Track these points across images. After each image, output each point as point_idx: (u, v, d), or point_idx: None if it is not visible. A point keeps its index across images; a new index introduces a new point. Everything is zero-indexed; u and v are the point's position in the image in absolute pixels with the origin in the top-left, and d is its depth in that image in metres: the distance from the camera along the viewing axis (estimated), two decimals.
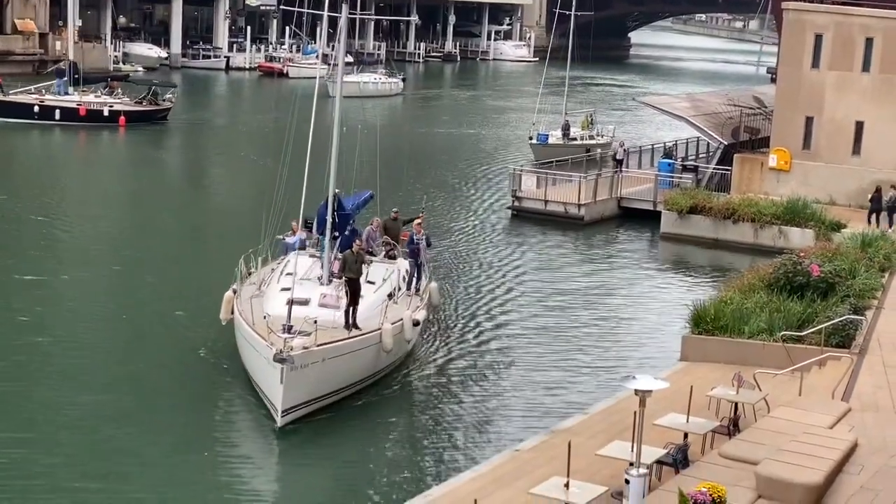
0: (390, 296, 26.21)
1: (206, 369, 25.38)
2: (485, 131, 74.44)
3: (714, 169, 50.31)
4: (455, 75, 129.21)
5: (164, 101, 69.19)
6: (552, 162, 51.51)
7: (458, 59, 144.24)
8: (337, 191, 26.94)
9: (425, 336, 28.11)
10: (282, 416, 21.67)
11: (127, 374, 24.91)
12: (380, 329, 23.91)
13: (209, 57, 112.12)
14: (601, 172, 49.00)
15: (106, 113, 65.55)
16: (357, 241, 25.61)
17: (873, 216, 40.76)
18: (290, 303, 22.96)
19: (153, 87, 70.12)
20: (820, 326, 24.33)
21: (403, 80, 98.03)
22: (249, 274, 27.03)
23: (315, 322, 22.32)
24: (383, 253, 28.80)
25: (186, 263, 36.11)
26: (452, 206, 48.79)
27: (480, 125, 77.91)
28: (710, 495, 14.17)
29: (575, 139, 61.92)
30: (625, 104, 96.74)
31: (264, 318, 23.13)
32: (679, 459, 17.84)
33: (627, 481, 15.85)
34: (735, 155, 48.42)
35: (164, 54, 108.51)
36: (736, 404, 20.20)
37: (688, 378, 22.55)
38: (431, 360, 26.96)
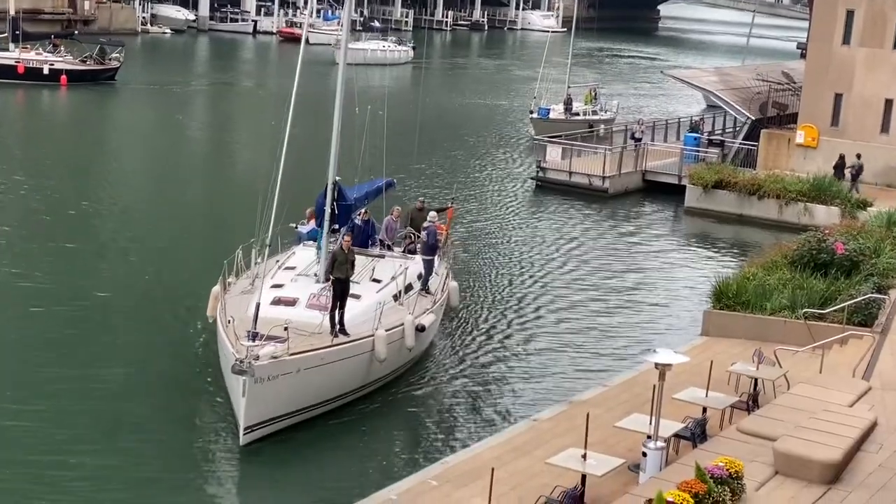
0: (396, 297, 23.56)
1: (182, 374, 22.66)
2: (507, 102, 74.04)
3: (740, 144, 50.04)
4: (482, 44, 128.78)
5: (111, 60, 66.20)
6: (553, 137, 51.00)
7: (486, 28, 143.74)
8: (338, 178, 24.08)
9: (440, 338, 25.81)
10: (244, 434, 19.22)
11: (93, 378, 22.28)
12: (372, 335, 21.35)
13: (237, 20, 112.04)
14: (626, 145, 48.84)
15: (46, 71, 62.90)
16: (346, 239, 22.19)
17: (837, 180, 41.77)
18: (258, 306, 20.15)
19: (100, 46, 67.15)
20: (842, 304, 24.25)
21: (413, 48, 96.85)
22: (255, 264, 24.40)
23: (286, 329, 19.67)
24: (403, 247, 26.63)
25: (154, 247, 32.56)
26: (476, 176, 48.76)
27: (505, 95, 77.58)
28: (727, 470, 14.20)
29: (577, 114, 60.50)
30: (650, 77, 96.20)
31: (229, 321, 20.58)
32: (697, 434, 17.88)
33: (645, 454, 15.95)
34: (762, 130, 48.12)
35: (191, 17, 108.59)
36: (756, 380, 20.21)
37: (708, 353, 22.57)
38: (445, 353, 25.36)
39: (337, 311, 21.30)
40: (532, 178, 47.42)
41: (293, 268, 24.10)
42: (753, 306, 25.36)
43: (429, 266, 25.33)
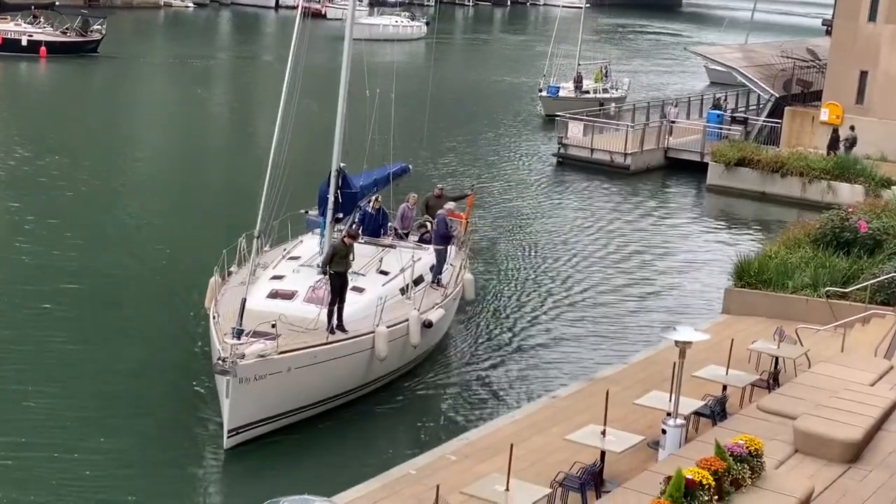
0: (403, 291, 22.28)
1: (175, 369, 21.44)
2: (528, 78, 73.53)
3: (764, 121, 49.74)
4: (504, 20, 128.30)
5: (92, 31, 64.34)
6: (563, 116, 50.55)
7: (509, 3, 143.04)
8: (342, 165, 22.67)
9: (457, 321, 25.03)
10: (228, 437, 18.06)
11: (78, 373, 21.13)
12: (372, 332, 20.18)
13: None
14: (648, 122, 48.63)
15: (24, 42, 61.12)
16: (347, 237, 20.71)
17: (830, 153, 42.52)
18: (243, 302, 18.94)
19: (82, 17, 65.49)
20: (865, 283, 24.10)
21: (427, 24, 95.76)
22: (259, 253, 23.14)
23: (274, 325, 18.48)
24: (417, 236, 25.44)
25: (158, 231, 31.40)
26: (497, 153, 48.64)
27: (525, 72, 77.12)
28: (747, 448, 14.13)
29: (587, 92, 59.73)
30: (672, 53, 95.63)
31: (214, 317, 19.76)
32: (717, 411, 17.84)
33: (664, 431, 15.91)
34: (786, 108, 47.79)
35: None
36: (777, 358, 20.13)
37: (729, 331, 22.49)
38: (464, 330, 24.98)
39: (336, 307, 20.04)
40: (553, 155, 47.33)
41: (297, 257, 22.87)
42: (775, 284, 25.24)
43: (440, 257, 23.91)
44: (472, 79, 72.57)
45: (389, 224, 25.14)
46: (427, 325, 21.44)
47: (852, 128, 43.06)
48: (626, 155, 45.42)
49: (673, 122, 49.02)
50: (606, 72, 63.80)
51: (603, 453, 15.50)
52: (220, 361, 17.58)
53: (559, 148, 47.05)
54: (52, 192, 34.65)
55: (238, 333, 18.26)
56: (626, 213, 39.00)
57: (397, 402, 21.14)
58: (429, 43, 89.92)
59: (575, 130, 47.08)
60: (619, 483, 15.05)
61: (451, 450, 17.13)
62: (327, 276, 20.41)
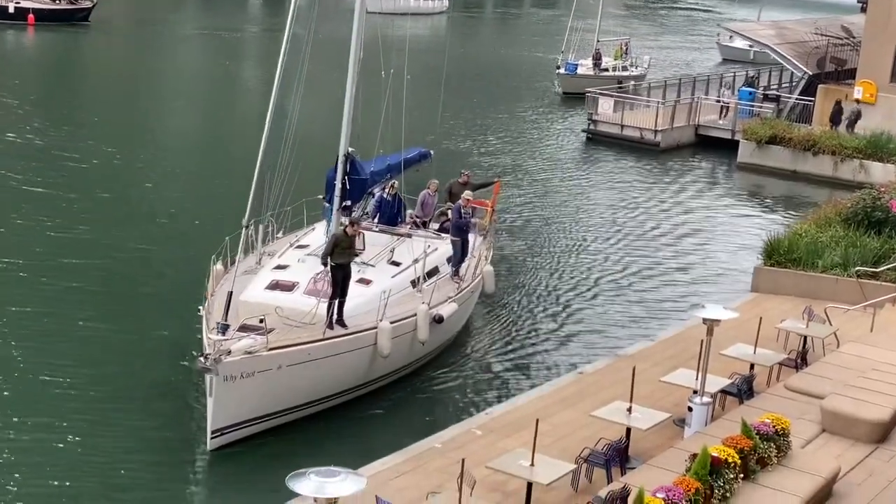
0: (414, 283, 21.01)
1: (170, 363, 20.15)
2: (549, 54, 72.80)
3: (796, 99, 49.33)
4: None
5: None
6: (581, 94, 50.05)
7: None
8: (351, 150, 21.23)
9: (478, 314, 24.11)
10: (212, 437, 16.89)
11: (67, 367, 19.86)
12: (375, 328, 18.91)
13: None
14: (679, 99, 48.35)
15: (11, 10, 59.54)
16: (351, 226, 19.35)
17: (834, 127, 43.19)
18: (230, 295, 17.69)
19: None
20: None
21: None
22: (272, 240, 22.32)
23: (262, 320, 17.41)
24: (438, 225, 24.20)
25: (163, 216, 29.68)
26: (527, 127, 48.50)
27: (554, 47, 76.49)
28: (774, 427, 14.10)
29: (606, 70, 58.76)
30: (705, 29, 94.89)
31: (199, 310, 18.69)
32: (744, 390, 17.79)
33: (690, 409, 15.89)
34: (819, 86, 47.35)
35: None
36: (805, 338, 20.04)
37: (757, 309, 22.39)
38: (491, 307, 24.51)
39: (336, 301, 18.72)
40: (583, 132, 47.17)
41: (305, 246, 21.66)
42: (805, 263, 25.10)
43: (457, 248, 22.50)
44: (492, 55, 71.88)
45: (409, 212, 24.18)
46: (437, 320, 20.19)
47: (857, 101, 43.35)
48: (656, 132, 45.22)
49: (725, 104, 48.34)
50: (626, 48, 62.89)
51: (629, 430, 15.50)
52: (201, 358, 16.46)
53: (589, 124, 46.91)
54: (62, 164, 34.55)
55: (223, 329, 17.00)
56: (655, 190, 38.82)
57: (405, 391, 20.31)
58: (451, 18, 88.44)
59: (605, 106, 46.90)
60: (644, 460, 15.07)
61: (477, 424, 17.17)
62: (328, 269, 19.07)
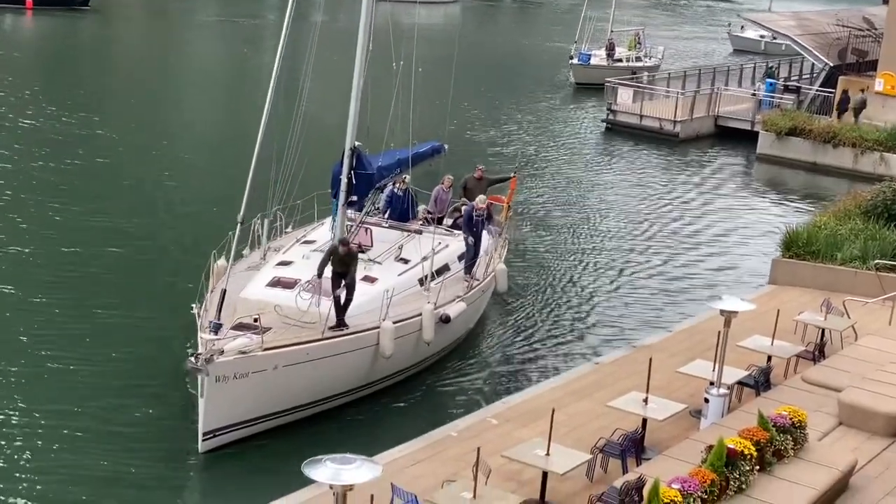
0: (422, 281, 20.30)
1: (167, 364, 19.30)
2: (563, 43, 72.30)
3: (817, 91, 49.09)
4: None
5: None
6: (593, 86, 49.72)
7: None
8: (358, 144, 20.28)
9: (494, 306, 23.60)
10: (203, 440, 16.35)
11: (61, 365, 19.31)
12: (377, 328, 18.27)
13: None
14: (699, 89, 48.20)
15: None
16: (343, 246, 18.32)
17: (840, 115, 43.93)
18: (223, 293, 17.09)
19: None
20: None
21: None
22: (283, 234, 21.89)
23: (256, 319, 16.69)
24: (451, 221, 23.52)
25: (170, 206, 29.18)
26: (542, 118, 48.42)
27: (563, 37, 75.98)
28: (790, 419, 14.09)
29: (620, 60, 58.29)
30: (727, 20, 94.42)
31: (191, 308, 17.87)
32: (761, 382, 17.75)
33: (707, 400, 15.87)
34: (840, 77, 47.09)
35: None
36: (823, 330, 19.97)
37: (775, 301, 22.33)
38: (509, 297, 24.13)
39: (342, 298, 17.98)
40: (602, 121, 47.12)
41: (312, 242, 21.12)
42: (823, 256, 25.00)
43: (469, 249, 21.86)
44: (508, 45, 71.39)
45: (422, 207, 23.62)
46: (444, 319, 19.54)
47: (863, 90, 43.47)
48: (675, 122, 45.11)
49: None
50: (640, 39, 62.31)
51: (644, 420, 15.49)
52: (192, 358, 15.84)
53: (607, 114, 46.84)
54: (74, 151, 34.40)
55: (215, 328, 16.48)
56: (673, 181, 38.72)
57: (419, 381, 20.04)
58: (467, 7, 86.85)
59: (624, 97, 46.81)
60: (659, 451, 15.07)
61: (493, 413, 17.19)
62: (319, 280, 18.25)
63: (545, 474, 13.72)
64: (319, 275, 18.29)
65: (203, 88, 50.13)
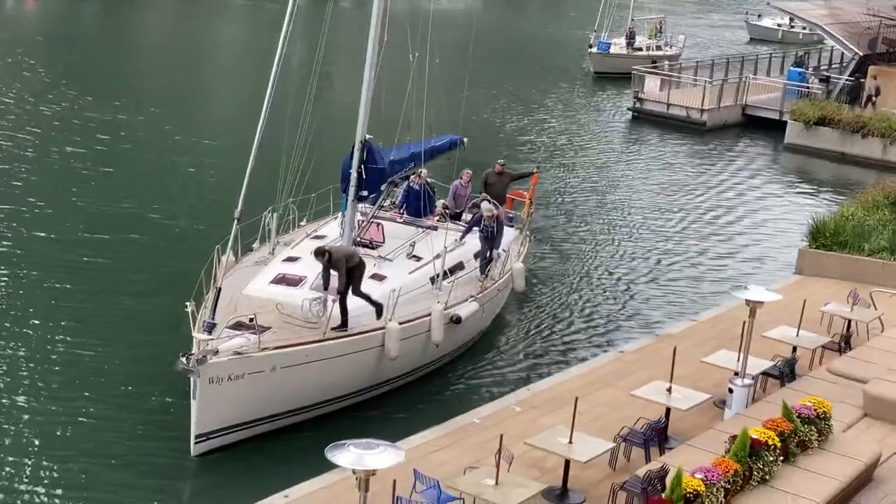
0: (434, 280, 19.55)
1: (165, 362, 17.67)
2: (585, 31, 71.83)
3: (846, 80, 48.71)
4: None
5: None
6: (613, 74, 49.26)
7: None
8: (369, 137, 19.60)
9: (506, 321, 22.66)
10: (196, 442, 15.70)
11: (59, 364, 18.69)
12: (382, 329, 17.55)
13: None
14: (727, 78, 47.93)
15: None
16: (320, 256, 17.52)
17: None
18: (218, 291, 16.23)
19: None
20: None
21: None
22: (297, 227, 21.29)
23: (253, 319, 16.02)
24: (471, 217, 22.43)
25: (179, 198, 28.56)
26: (572, 103, 48.26)
27: (585, 23, 75.43)
28: (815, 410, 14.02)
29: (640, 49, 57.49)
30: (754, 7, 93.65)
31: (185, 306, 16.39)
32: (786, 372, 17.67)
33: (731, 390, 15.82)
34: (870, 67, 46.70)
35: None
36: (849, 321, 19.85)
37: (801, 292, 22.21)
38: (532, 286, 23.95)
39: (339, 300, 17.24)
40: (628, 109, 46.97)
41: (323, 237, 20.51)
42: (851, 246, 24.84)
43: (484, 253, 21.06)
44: (528, 32, 70.66)
45: (441, 202, 23.01)
46: (455, 320, 18.80)
47: (875, 77, 43.64)
48: (702, 111, 44.88)
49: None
50: (661, 27, 61.60)
51: (668, 410, 15.45)
52: (183, 358, 15.08)
53: (634, 102, 46.67)
54: (96, 137, 34.44)
55: (209, 327, 15.70)
56: (700, 169, 38.55)
57: (440, 371, 19.78)
58: None
59: (651, 85, 46.64)
60: (683, 440, 15.03)
61: (516, 401, 17.19)
62: (327, 293, 17.46)
63: (567, 462, 13.72)
64: (325, 286, 17.53)
65: (228, 73, 50.12)
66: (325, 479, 13.84)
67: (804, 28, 79.29)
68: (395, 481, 11.91)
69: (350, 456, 9.42)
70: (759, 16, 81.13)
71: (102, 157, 32.14)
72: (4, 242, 24.27)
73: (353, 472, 9.47)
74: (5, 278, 22.29)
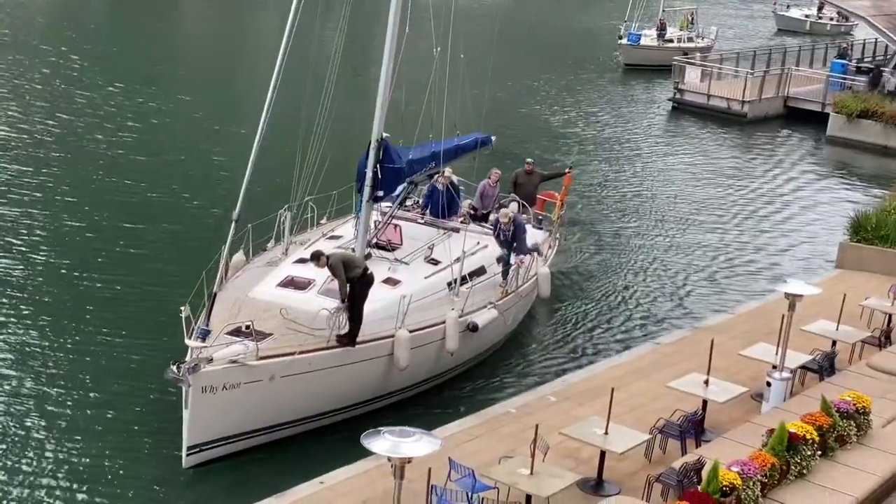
0: (451, 285, 18.58)
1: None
2: (615, 21, 71.07)
3: (891, 72, 48.15)
4: None
5: None
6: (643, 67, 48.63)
7: None
8: (386, 135, 18.45)
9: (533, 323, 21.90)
10: (188, 455, 14.86)
11: (59, 363, 18.06)
12: (391, 337, 16.60)
13: None
14: (769, 69, 47.54)
15: None
16: (315, 260, 16.42)
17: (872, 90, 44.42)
18: (213, 296, 15.49)
19: None
20: None
21: None
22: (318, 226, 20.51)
23: (250, 326, 15.18)
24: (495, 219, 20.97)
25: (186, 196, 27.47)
26: (611, 94, 48.04)
27: (616, 13, 74.80)
28: (854, 405, 13.91)
29: (671, 41, 56.71)
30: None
31: (181, 310, 15.10)
32: (825, 366, 17.54)
33: (769, 384, 15.72)
34: None
35: None
36: (890, 316, 19.69)
37: (841, 286, 22.00)
38: (569, 272, 23.78)
39: (346, 313, 16.15)
40: (668, 100, 46.72)
41: (339, 237, 19.71)
42: (892, 241, 24.61)
43: (505, 260, 20.03)
44: (560, 23, 69.96)
45: (467, 202, 22.23)
46: (472, 328, 17.81)
47: (895, 67, 43.50)
48: (743, 102, 44.55)
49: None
50: (693, 18, 60.78)
51: (705, 402, 15.38)
52: (173, 367, 14.22)
53: (675, 93, 46.42)
54: (128, 125, 34.39)
55: (203, 334, 14.80)
56: (741, 161, 38.29)
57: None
58: None
59: (692, 76, 46.34)
60: (719, 433, 14.95)
61: (552, 391, 17.18)
62: (343, 305, 16.20)
63: (603, 453, 13.69)
64: (343, 299, 16.10)
65: (256, 62, 49.67)
66: (360, 466, 13.90)
67: (832, 19, 78.64)
68: (430, 469, 11.93)
69: (386, 443, 9.44)
70: (788, 6, 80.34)
71: (133, 145, 31.93)
72: (38, 232, 24.04)
73: (389, 459, 9.49)
74: (39, 267, 22.12)
